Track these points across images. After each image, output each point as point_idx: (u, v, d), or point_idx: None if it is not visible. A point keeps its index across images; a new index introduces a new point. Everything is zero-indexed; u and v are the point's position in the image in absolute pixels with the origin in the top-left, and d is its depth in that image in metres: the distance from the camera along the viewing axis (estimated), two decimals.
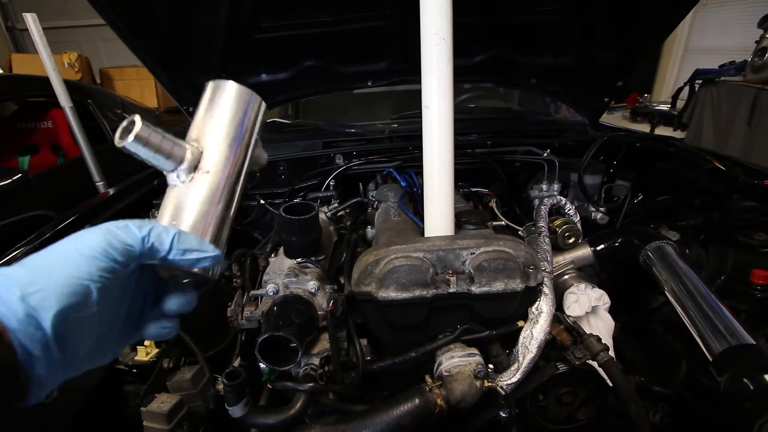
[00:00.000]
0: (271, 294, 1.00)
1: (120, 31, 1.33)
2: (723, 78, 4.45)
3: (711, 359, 0.90)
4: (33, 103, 3.33)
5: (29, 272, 0.42)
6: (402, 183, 1.54)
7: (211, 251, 0.53)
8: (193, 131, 0.58)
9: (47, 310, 0.40)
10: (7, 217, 2.24)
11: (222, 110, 0.59)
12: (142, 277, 0.54)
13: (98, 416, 0.47)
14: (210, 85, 0.61)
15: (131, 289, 0.53)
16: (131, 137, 0.50)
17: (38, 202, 2.44)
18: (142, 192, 1.67)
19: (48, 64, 2.44)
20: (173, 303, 0.56)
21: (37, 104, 3.30)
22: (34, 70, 3.16)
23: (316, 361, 0.99)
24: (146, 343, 1.09)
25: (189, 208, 0.55)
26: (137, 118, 0.51)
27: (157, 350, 1.09)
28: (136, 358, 1.08)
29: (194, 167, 0.56)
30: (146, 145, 0.51)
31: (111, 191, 1.68)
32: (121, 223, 0.49)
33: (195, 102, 0.61)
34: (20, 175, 2.31)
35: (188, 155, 0.55)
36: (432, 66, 0.96)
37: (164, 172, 0.56)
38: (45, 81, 2.54)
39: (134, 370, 1.08)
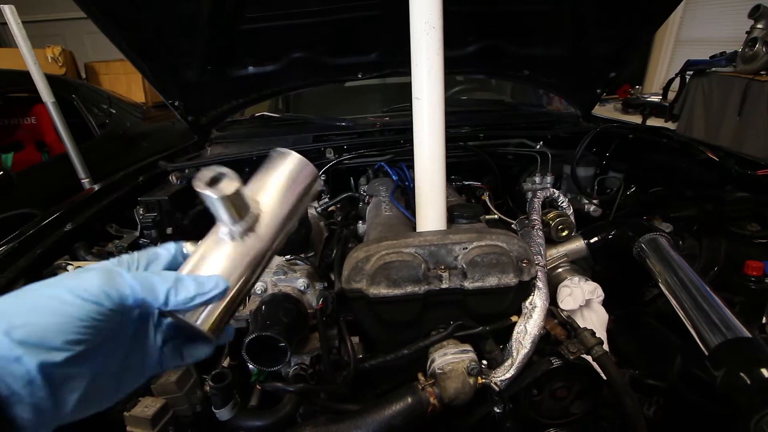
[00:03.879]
0: (259, 292, 0.98)
1: (100, 21, 1.28)
2: (714, 69, 4.44)
3: (706, 353, 0.89)
4: (15, 99, 3.24)
5: (18, 306, 0.40)
6: (393, 177, 1.52)
7: (212, 286, 0.49)
8: (256, 193, 0.57)
9: (31, 349, 0.38)
10: None
11: (284, 181, 0.59)
12: (156, 323, 0.52)
13: (80, 421, 0.44)
14: (274, 153, 0.61)
15: (133, 336, 0.50)
16: (216, 193, 0.48)
17: (22, 200, 2.39)
18: (128, 189, 1.63)
19: (28, 58, 2.37)
20: (192, 354, 0.54)
21: (19, 100, 3.22)
22: (16, 65, 3.07)
23: (306, 360, 0.97)
24: None
25: (231, 266, 0.53)
26: (231, 175, 0.50)
27: None
28: None
29: (250, 229, 0.55)
30: (226, 202, 0.50)
31: (96, 188, 1.64)
32: (118, 269, 0.46)
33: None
34: (1, 173, 2.26)
35: (250, 219, 0.54)
36: (422, 56, 0.93)
37: (219, 223, 0.54)
38: (27, 76, 2.46)
39: None
